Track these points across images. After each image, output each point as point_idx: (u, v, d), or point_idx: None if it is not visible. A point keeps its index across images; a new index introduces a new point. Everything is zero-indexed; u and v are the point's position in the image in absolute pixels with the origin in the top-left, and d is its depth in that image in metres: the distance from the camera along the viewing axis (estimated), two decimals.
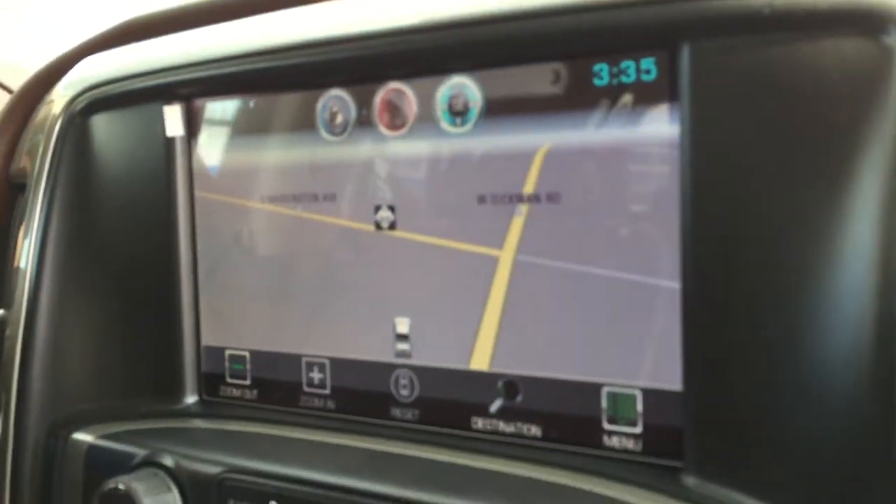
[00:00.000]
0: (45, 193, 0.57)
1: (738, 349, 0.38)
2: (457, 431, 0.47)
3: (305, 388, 0.53)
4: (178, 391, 0.57)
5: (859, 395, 0.34)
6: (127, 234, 0.58)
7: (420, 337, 0.48)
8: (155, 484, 0.48)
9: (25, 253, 0.57)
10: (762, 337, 0.37)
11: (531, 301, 0.44)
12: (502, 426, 0.46)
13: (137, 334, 0.57)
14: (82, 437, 0.54)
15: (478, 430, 0.47)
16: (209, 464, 0.48)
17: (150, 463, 0.49)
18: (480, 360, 0.46)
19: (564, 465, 0.43)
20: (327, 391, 0.52)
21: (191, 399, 0.57)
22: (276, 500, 0.45)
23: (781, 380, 0.36)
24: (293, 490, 0.44)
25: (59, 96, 0.59)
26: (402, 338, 0.49)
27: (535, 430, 0.45)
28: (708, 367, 0.39)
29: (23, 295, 0.56)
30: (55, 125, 0.58)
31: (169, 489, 0.48)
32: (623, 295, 0.42)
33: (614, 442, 0.43)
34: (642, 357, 0.42)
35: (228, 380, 0.56)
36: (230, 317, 0.56)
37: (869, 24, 0.34)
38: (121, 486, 0.47)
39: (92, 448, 0.53)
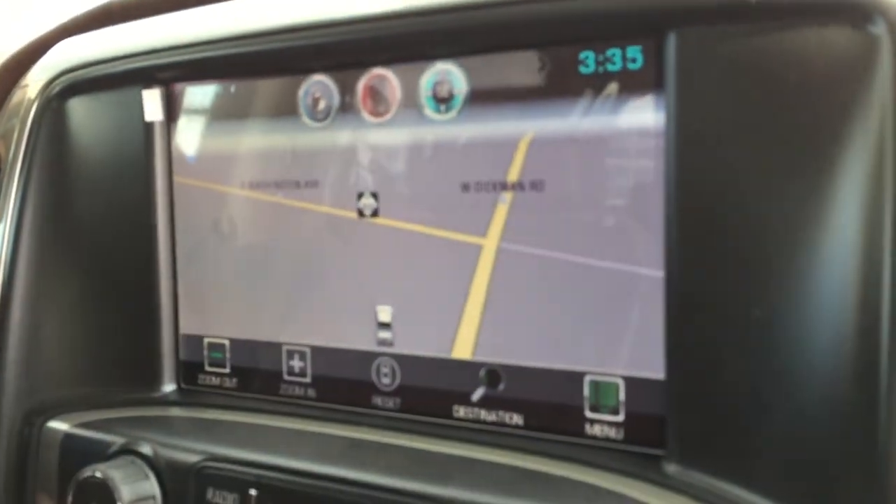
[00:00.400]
0: (20, 178, 0.56)
1: (721, 338, 0.38)
2: (439, 420, 0.47)
3: (286, 377, 0.52)
4: (155, 379, 0.56)
5: (841, 382, 0.34)
6: (104, 220, 0.57)
7: (402, 325, 0.48)
8: (132, 472, 0.47)
9: (0, 239, 0.56)
10: (745, 326, 0.37)
11: (514, 289, 0.44)
12: (484, 415, 0.46)
13: (115, 322, 0.56)
14: (58, 425, 0.53)
15: (460, 419, 0.46)
16: (187, 452, 0.47)
17: (128, 451, 0.49)
18: (463, 349, 0.46)
19: (547, 454, 0.43)
20: (308, 379, 0.52)
21: (169, 387, 0.57)
22: (256, 489, 0.44)
23: (763, 368, 0.37)
24: (273, 478, 0.44)
25: (35, 79, 0.58)
26: (384, 326, 0.49)
27: (517, 419, 0.45)
28: (690, 356, 0.39)
29: None
30: (31, 108, 0.57)
31: (146, 477, 0.47)
32: (606, 283, 0.42)
33: (596, 430, 0.43)
34: (625, 345, 0.42)
35: (207, 368, 0.56)
36: (209, 304, 0.55)
37: (855, 13, 0.34)
38: (97, 474, 0.47)
39: (67, 437, 0.52)
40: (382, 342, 0.49)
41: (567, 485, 0.40)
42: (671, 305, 0.40)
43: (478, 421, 0.46)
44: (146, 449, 0.48)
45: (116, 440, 0.50)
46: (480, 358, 0.46)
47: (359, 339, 0.49)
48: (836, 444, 0.34)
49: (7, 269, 0.55)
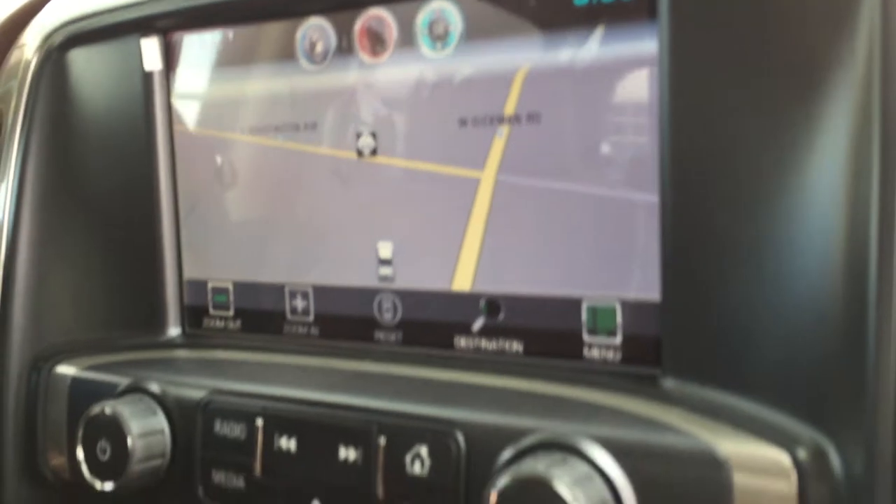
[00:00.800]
0: (22, 130, 0.57)
1: (714, 258, 0.38)
2: (440, 351, 0.48)
3: (289, 316, 0.53)
4: (160, 324, 0.57)
5: (832, 294, 0.35)
6: (106, 169, 0.57)
7: (403, 260, 0.49)
8: (141, 408, 0.48)
9: (3, 190, 0.57)
10: (737, 246, 0.38)
11: (512, 220, 0.45)
12: (485, 344, 0.47)
13: (119, 269, 0.57)
14: (65, 369, 0.54)
15: (461, 349, 0.47)
16: (194, 388, 0.48)
17: (136, 389, 0.50)
18: (463, 281, 0.47)
19: (547, 377, 0.43)
20: (311, 318, 0.53)
21: (174, 331, 0.57)
22: (262, 418, 0.45)
23: (756, 285, 0.37)
24: (279, 408, 0.45)
25: (35, 33, 0.59)
26: (385, 262, 0.49)
27: (517, 346, 0.46)
28: (685, 277, 0.40)
29: (2, 232, 0.56)
30: (31, 61, 0.57)
31: (155, 413, 0.48)
32: (602, 210, 0.43)
33: (594, 353, 0.44)
34: (622, 270, 0.43)
35: (211, 311, 0.57)
36: (212, 249, 0.56)
37: None
38: (107, 410, 0.48)
39: (75, 380, 0.53)
40: (384, 278, 0.50)
41: (567, 403, 0.41)
42: (666, 229, 0.40)
43: (479, 350, 0.47)
44: (154, 387, 0.49)
45: (123, 380, 0.51)
46: (480, 289, 0.47)
47: (360, 277, 0.50)
48: (827, 350, 0.35)
49: (12, 219, 0.56)
